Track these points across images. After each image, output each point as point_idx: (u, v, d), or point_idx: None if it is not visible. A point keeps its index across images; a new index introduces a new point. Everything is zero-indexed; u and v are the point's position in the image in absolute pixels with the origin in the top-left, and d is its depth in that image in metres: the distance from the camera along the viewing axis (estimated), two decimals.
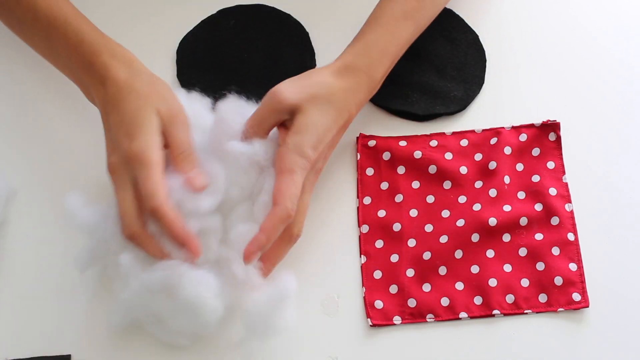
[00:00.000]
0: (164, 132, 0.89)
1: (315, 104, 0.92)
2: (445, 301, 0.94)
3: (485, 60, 1.09)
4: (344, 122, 0.94)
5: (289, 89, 0.92)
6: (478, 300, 0.93)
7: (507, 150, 1.01)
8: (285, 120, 0.92)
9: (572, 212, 0.97)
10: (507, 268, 0.95)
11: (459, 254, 0.95)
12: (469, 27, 1.11)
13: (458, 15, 1.12)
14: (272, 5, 1.13)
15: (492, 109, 1.05)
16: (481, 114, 1.05)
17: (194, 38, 1.10)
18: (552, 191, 0.98)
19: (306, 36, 1.10)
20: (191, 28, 1.11)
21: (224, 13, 1.13)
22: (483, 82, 1.07)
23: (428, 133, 1.03)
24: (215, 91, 0.99)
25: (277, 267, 0.91)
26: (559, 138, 1.02)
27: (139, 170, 0.86)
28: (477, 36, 1.10)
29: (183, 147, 0.90)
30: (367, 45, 0.97)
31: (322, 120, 0.92)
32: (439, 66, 1.08)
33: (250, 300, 0.88)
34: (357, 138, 1.03)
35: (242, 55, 1.08)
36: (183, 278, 0.85)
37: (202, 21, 1.12)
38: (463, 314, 0.93)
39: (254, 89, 0.98)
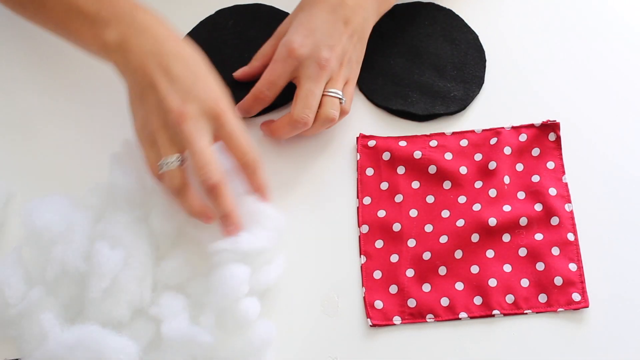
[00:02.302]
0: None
1: (303, 9, 1.01)
2: (445, 301, 0.94)
3: (485, 61, 1.09)
4: (334, 18, 0.99)
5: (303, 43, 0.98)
6: (478, 300, 0.93)
7: (507, 150, 1.01)
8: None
9: (572, 212, 0.97)
10: (507, 268, 0.95)
11: (458, 254, 0.95)
12: (469, 27, 1.11)
13: (458, 16, 1.12)
14: (270, 5, 1.13)
15: (492, 109, 1.05)
16: (481, 114, 1.05)
17: (192, 39, 1.10)
18: (552, 191, 0.98)
19: None
20: (189, 29, 1.11)
21: (222, 13, 1.13)
22: (483, 82, 1.07)
23: (428, 133, 1.03)
24: None
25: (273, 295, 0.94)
26: (558, 138, 1.02)
27: (225, 124, 0.90)
28: (477, 36, 1.10)
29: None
30: None
31: (309, 17, 0.99)
32: (439, 66, 1.08)
33: (228, 348, 0.88)
34: (357, 138, 1.03)
35: (242, 55, 1.08)
36: (104, 344, 0.84)
37: (200, 22, 1.12)
38: (463, 314, 0.93)
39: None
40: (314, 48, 0.97)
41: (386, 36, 1.09)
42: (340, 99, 0.99)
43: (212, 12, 1.13)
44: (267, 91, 0.99)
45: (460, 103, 1.05)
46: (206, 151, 0.88)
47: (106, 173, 0.95)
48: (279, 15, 1.11)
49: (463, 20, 1.12)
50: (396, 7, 1.11)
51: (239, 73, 1.04)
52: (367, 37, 1.04)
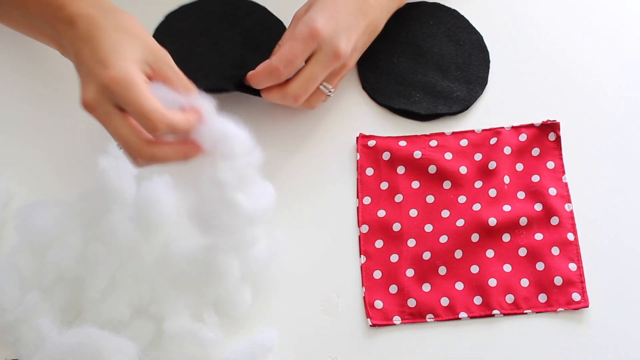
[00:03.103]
0: (153, 66, 0.85)
1: None
2: (445, 301, 0.94)
3: (489, 62, 1.08)
4: (359, 4, 0.99)
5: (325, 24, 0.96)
6: (478, 300, 0.93)
7: (507, 150, 1.00)
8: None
9: (571, 212, 0.97)
10: (507, 268, 0.95)
11: (458, 254, 0.95)
12: (474, 28, 1.11)
13: (463, 16, 1.12)
14: None
15: (495, 110, 1.05)
16: (484, 115, 1.05)
17: (168, 27, 1.08)
18: (552, 191, 0.98)
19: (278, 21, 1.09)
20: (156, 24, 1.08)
21: (186, 8, 1.10)
22: (486, 83, 1.07)
23: (428, 133, 1.03)
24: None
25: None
26: (558, 138, 1.01)
27: (125, 94, 0.80)
28: (481, 37, 1.10)
29: (185, 82, 0.87)
30: None
31: (332, 1, 0.97)
32: (443, 66, 1.08)
33: (229, 352, 0.89)
34: (357, 138, 1.03)
35: (217, 42, 1.05)
36: (102, 345, 0.84)
37: (180, 7, 1.09)
38: (463, 314, 0.93)
39: (231, 72, 1.00)
40: (335, 34, 0.96)
41: (390, 35, 1.09)
42: (328, 95, 0.99)
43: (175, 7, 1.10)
44: (283, 69, 0.95)
45: (463, 103, 1.05)
46: (119, 133, 0.82)
47: (97, 176, 0.95)
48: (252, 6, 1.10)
49: (468, 21, 1.11)
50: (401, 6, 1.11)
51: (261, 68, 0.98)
52: (377, 33, 1.04)
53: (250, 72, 0.97)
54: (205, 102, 0.85)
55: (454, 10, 1.12)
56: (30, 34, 0.97)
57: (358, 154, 1.02)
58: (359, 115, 1.04)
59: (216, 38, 1.06)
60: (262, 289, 0.94)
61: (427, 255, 0.95)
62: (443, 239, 0.96)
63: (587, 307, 0.92)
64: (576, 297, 0.93)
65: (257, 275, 0.93)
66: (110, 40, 0.83)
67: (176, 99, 0.84)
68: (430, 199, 0.99)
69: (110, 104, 0.81)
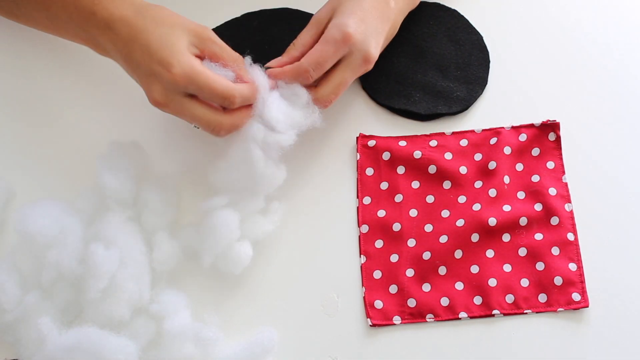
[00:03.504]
0: (200, 47, 0.91)
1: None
2: (445, 301, 0.94)
3: (488, 62, 1.08)
4: (382, 7, 0.99)
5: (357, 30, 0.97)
6: (478, 300, 0.93)
7: (507, 150, 1.00)
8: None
9: (571, 212, 0.97)
10: (507, 268, 0.95)
11: (458, 254, 0.95)
12: (474, 28, 1.11)
13: (463, 16, 1.12)
14: (296, 8, 1.12)
15: (495, 109, 1.05)
16: (484, 115, 1.05)
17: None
18: (552, 191, 0.98)
19: None
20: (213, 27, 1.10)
21: (248, 16, 1.12)
22: (486, 83, 1.07)
23: (428, 133, 1.03)
24: None
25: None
26: (558, 138, 1.01)
27: (196, 85, 0.88)
28: (481, 37, 1.10)
29: (232, 54, 0.93)
30: None
31: (359, 4, 0.97)
32: (443, 66, 1.08)
33: (230, 352, 0.89)
34: (357, 138, 1.03)
35: (266, 53, 1.04)
36: (102, 345, 0.85)
37: (224, 22, 1.11)
38: (463, 314, 0.93)
39: None
40: (365, 39, 0.96)
41: None
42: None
43: (239, 14, 1.12)
44: (312, 72, 0.95)
45: (463, 103, 1.05)
46: (198, 116, 0.90)
47: (95, 176, 0.96)
48: (304, 18, 1.09)
49: (468, 21, 1.11)
50: None
51: (275, 63, 0.98)
52: (392, 36, 1.05)
53: (277, 70, 0.96)
54: (258, 74, 0.94)
55: (454, 10, 1.12)
56: (55, 33, 0.99)
57: (358, 154, 1.02)
58: (359, 115, 1.04)
59: None
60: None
61: (427, 255, 0.95)
62: (443, 239, 0.96)
63: (587, 307, 0.92)
64: (576, 297, 0.93)
65: (257, 237, 0.96)
66: (158, 39, 0.89)
67: (227, 73, 0.92)
68: (430, 199, 0.99)
69: (180, 95, 0.89)
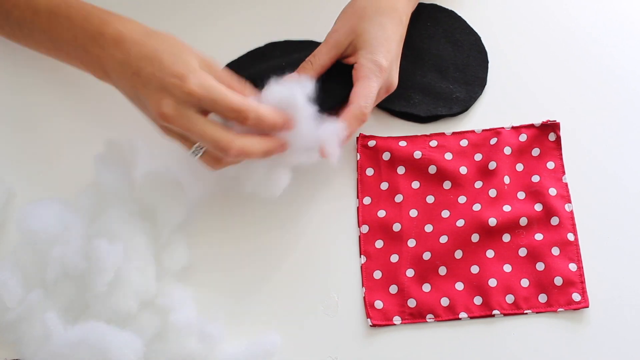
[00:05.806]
0: (207, 71, 0.90)
1: (370, 20, 0.99)
2: (445, 301, 0.94)
3: (487, 62, 1.08)
4: (401, 30, 1.01)
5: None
6: (478, 300, 0.93)
7: (507, 150, 1.01)
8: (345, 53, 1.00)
9: (571, 212, 0.97)
10: (507, 268, 0.95)
11: (458, 254, 0.95)
12: (472, 28, 1.11)
13: (460, 17, 1.12)
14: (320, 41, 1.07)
15: (495, 110, 1.05)
16: (483, 116, 1.05)
17: (237, 65, 1.08)
18: (552, 191, 0.98)
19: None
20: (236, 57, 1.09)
21: (271, 46, 1.10)
22: (485, 84, 1.07)
23: (428, 133, 1.03)
24: None
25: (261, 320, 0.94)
26: (558, 138, 1.01)
27: (212, 97, 0.87)
28: (479, 38, 1.10)
29: (236, 80, 0.93)
30: None
31: (383, 32, 0.98)
32: (441, 68, 1.08)
33: (232, 351, 0.90)
34: (357, 138, 1.03)
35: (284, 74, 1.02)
36: (108, 340, 0.84)
37: (248, 52, 1.10)
38: (463, 314, 0.93)
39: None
40: (391, 69, 0.99)
41: None
42: None
43: (262, 44, 1.11)
44: (368, 111, 0.96)
45: (462, 104, 1.05)
46: (208, 134, 0.87)
47: (94, 174, 0.96)
48: None
49: (465, 22, 1.11)
50: None
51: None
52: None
53: (343, 124, 0.94)
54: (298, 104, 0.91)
55: (451, 11, 1.12)
56: (56, 55, 0.98)
57: (358, 154, 1.02)
58: None
59: None
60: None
61: (427, 256, 0.95)
62: (443, 239, 0.96)
63: (587, 307, 0.92)
64: (576, 297, 0.93)
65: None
66: (170, 56, 0.89)
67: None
68: (430, 199, 0.99)
69: (192, 110, 0.87)
